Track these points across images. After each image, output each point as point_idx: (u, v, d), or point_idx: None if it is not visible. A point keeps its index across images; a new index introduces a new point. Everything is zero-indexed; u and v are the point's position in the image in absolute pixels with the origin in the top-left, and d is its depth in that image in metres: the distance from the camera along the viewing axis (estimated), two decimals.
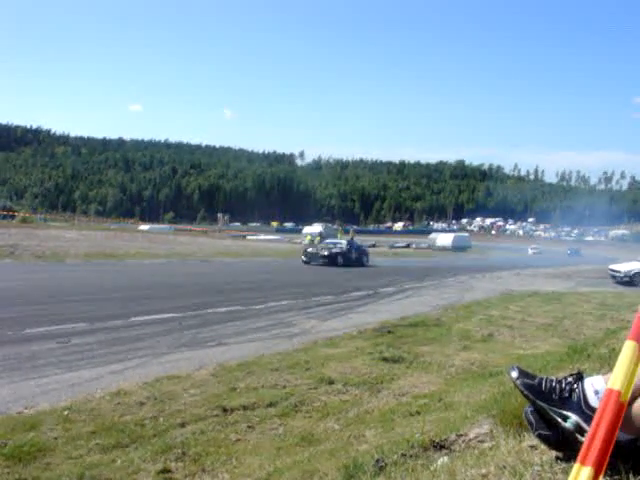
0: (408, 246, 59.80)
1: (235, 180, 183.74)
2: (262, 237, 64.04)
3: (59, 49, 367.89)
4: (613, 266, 26.65)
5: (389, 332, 10.07)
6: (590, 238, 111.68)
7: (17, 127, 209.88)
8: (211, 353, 8.00)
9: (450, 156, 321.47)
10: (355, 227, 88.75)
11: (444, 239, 61.49)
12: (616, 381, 1.33)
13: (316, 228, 63.16)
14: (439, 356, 8.23)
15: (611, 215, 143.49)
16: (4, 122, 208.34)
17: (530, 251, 63.42)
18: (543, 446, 2.00)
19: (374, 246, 55.10)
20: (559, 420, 1.82)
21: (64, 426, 4.80)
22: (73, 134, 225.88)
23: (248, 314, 11.64)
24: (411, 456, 2.77)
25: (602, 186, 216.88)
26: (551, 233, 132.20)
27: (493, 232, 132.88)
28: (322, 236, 53.57)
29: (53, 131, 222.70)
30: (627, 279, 24.36)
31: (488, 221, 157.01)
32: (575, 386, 1.85)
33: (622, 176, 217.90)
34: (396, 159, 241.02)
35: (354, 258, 29.33)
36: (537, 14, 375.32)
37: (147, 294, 14.11)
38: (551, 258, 51.99)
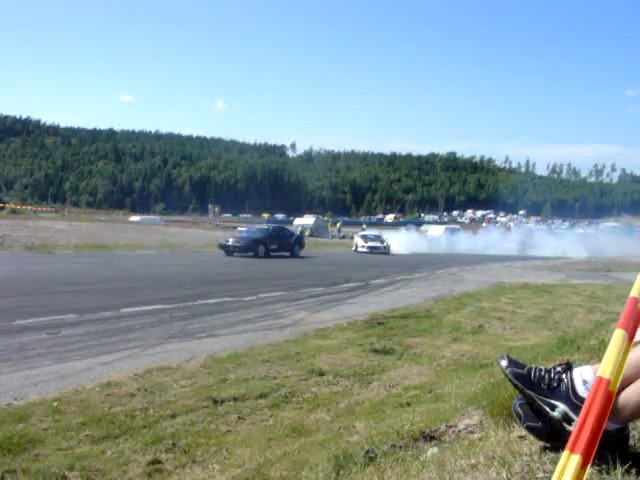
0: None
1: (226, 171, 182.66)
2: None
3: (49, 39, 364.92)
4: None
5: (379, 324, 10.08)
6: (581, 230, 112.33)
7: (6, 117, 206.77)
8: (201, 344, 7.99)
9: (441, 148, 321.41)
10: (346, 219, 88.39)
11: (435, 231, 61.47)
12: (606, 370, 1.33)
13: (309, 220, 62.99)
14: (429, 348, 8.26)
15: (602, 207, 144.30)
16: None
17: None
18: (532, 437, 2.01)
19: None
20: (547, 409, 1.83)
21: (54, 417, 4.78)
22: (63, 124, 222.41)
23: (238, 305, 11.63)
24: (401, 447, 2.78)
25: (593, 179, 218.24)
26: (542, 225, 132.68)
27: (484, 224, 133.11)
28: (312, 229, 53.58)
29: (43, 121, 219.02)
30: None
31: (479, 213, 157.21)
32: (564, 376, 1.86)
33: (613, 169, 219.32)
34: (387, 151, 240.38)
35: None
36: (528, 7, 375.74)
37: (137, 285, 14.07)
38: None
